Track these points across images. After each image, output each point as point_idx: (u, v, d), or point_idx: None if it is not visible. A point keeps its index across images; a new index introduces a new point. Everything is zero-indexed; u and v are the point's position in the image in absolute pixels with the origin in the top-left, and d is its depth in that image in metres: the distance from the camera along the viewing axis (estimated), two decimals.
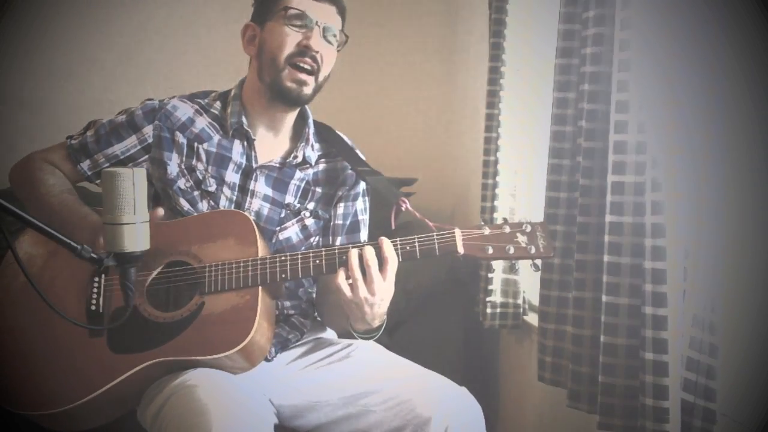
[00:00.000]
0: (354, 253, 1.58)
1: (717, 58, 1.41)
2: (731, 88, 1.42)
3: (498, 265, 2.36)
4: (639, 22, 1.49)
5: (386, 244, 1.60)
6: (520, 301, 2.40)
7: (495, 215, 2.38)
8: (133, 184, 1.27)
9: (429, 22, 3.20)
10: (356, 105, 3.03)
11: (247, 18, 1.79)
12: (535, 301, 2.26)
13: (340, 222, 1.85)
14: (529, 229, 1.63)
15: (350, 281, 1.59)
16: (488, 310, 2.39)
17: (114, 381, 1.58)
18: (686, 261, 1.47)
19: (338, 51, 1.76)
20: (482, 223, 1.67)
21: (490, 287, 2.37)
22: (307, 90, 1.72)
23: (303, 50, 1.69)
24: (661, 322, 1.45)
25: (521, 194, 2.38)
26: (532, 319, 2.34)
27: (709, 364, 1.44)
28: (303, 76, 1.70)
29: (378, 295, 1.59)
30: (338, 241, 1.85)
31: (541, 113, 2.27)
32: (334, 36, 1.73)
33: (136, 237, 1.28)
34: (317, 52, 1.70)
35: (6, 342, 1.68)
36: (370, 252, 1.58)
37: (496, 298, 2.39)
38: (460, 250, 1.61)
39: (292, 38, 1.70)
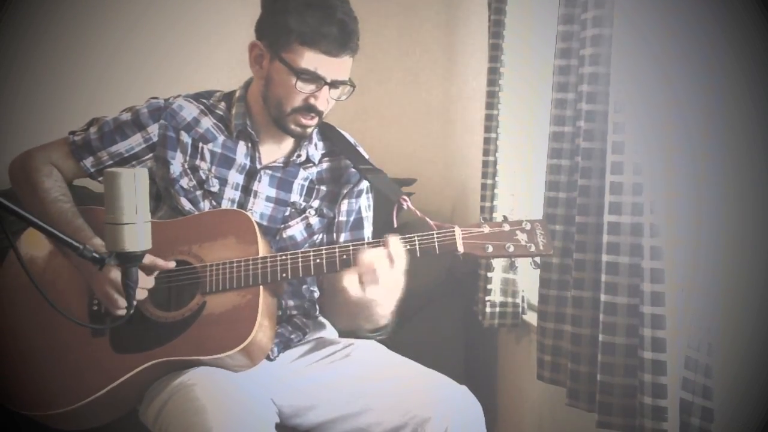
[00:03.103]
0: (363, 254, 1.57)
1: (716, 57, 1.42)
2: (730, 87, 1.42)
3: (497, 264, 2.36)
4: (638, 22, 1.49)
5: (393, 242, 1.58)
6: (519, 301, 2.40)
7: (494, 215, 2.39)
8: (135, 184, 1.27)
9: (428, 22, 3.21)
10: (355, 106, 3.03)
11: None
12: (534, 300, 2.27)
13: (343, 219, 1.85)
14: (528, 226, 1.63)
15: (353, 281, 1.57)
16: (487, 310, 2.39)
17: (116, 381, 1.59)
18: (685, 260, 1.48)
19: (342, 100, 1.74)
20: (482, 221, 1.67)
21: (489, 286, 2.38)
22: (309, 130, 1.74)
23: (309, 106, 1.69)
24: (660, 321, 1.46)
25: (520, 194, 2.38)
26: (531, 318, 2.34)
27: (707, 363, 1.45)
28: (307, 122, 1.71)
29: (386, 294, 1.58)
30: (342, 237, 1.85)
31: (540, 114, 2.28)
32: (343, 84, 1.71)
33: (138, 237, 1.27)
34: (321, 108, 1.70)
35: (8, 342, 1.69)
36: (378, 253, 1.57)
37: (496, 297, 2.39)
38: (460, 248, 1.61)
39: (299, 95, 1.67)
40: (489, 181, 2.42)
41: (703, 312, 1.46)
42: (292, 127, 1.72)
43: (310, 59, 1.65)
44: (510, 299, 2.40)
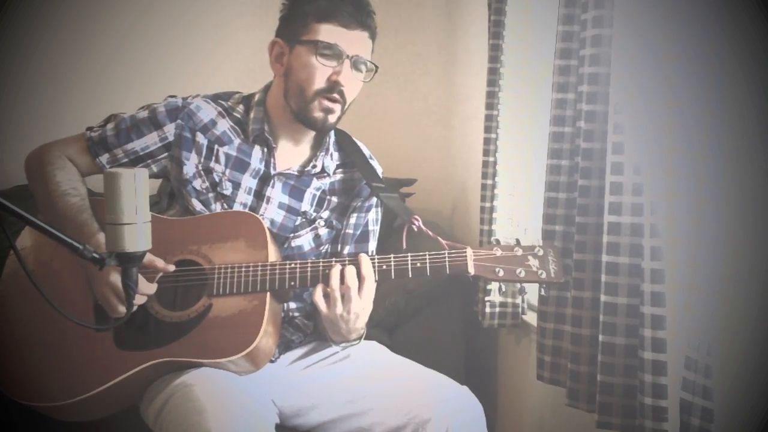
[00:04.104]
0: (335, 272, 1.59)
1: (716, 57, 1.42)
2: (730, 87, 1.42)
3: None
4: (638, 23, 1.49)
5: (365, 262, 1.60)
6: (519, 301, 2.41)
7: (494, 215, 2.39)
8: (135, 184, 1.27)
9: (428, 23, 3.21)
10: (356, 106, 3.03)
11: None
12: (534, 300, 2.27)
13: (350, 231, 1.85)
14: (541, 252, 1.63)
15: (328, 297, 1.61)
16: (487, 310, 2.39)
17: (117, 378, 1.59)
18: (685, 260, 1.48)
19: (366, 82, 1.74)
20: (494, 242, 1.66)
21: (489, 287, 2.38)
22: (333, 118, 1.72)
23: (332, 85, 1.68)
24: (660, 321, 1.46)
25: (520, 194, 2.38)
26: (531, 318, 2.34)
27: (707, 363, 1.45)
28: (331, 105, 1.70)
29: (354, 312, 1.61)
30: (346, 249, 1.85)
31: (540, 114, 2.28)
32: (364, 65, 1.72)
33: (137, 237, 1.27)
34: (345, 86, 1.69)
35: (13, 333, 1.68)
36: (350, 272, 1.59)
37: (495, 297, 2.39)
38: (471, 270, 1.62)
39: (321, 72, 1.67)
40: (489, 181, 2.42)
41: (703, 312, 1.46)
42: (316, 114, 1.70)
43: (329, 32, 1.66)
44: (510, 299, 2.40)
